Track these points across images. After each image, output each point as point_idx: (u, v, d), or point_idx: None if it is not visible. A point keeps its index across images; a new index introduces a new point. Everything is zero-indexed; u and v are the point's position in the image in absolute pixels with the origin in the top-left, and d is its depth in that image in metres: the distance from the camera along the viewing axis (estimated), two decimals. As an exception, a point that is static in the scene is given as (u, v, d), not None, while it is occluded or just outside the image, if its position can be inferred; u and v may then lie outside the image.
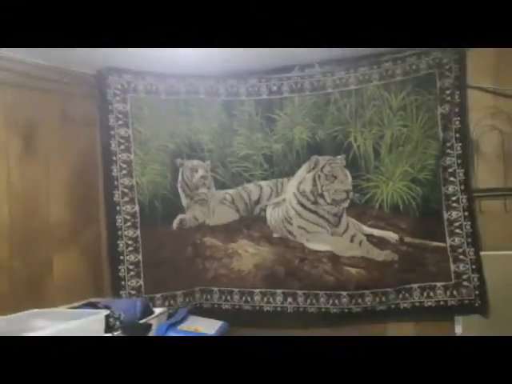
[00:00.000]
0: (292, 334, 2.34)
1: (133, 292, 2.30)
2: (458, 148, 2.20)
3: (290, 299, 2.34)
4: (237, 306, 2.39)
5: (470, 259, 2.15)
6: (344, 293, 2.28)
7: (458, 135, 2.19)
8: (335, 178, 2.34)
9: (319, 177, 2.35)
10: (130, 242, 2.33)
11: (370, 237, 2.30)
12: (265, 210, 2.46)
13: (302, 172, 2.40)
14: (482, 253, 2.14)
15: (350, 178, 2.33)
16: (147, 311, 2.01)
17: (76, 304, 2.03)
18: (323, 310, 2.30)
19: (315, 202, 2.36)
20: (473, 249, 2.15)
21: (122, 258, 2.32)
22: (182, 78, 2.43)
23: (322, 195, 2.35)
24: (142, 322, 1.91)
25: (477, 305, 2.13)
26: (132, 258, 2.34)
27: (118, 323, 1.77)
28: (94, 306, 1.97)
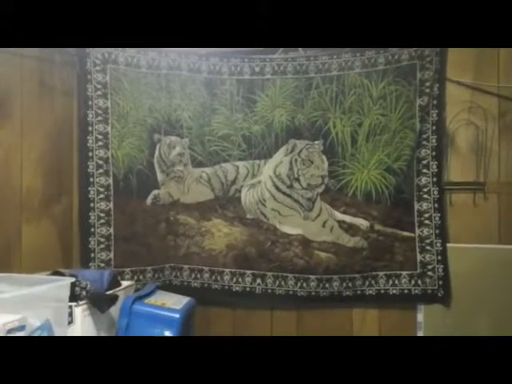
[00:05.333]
0: (258, 315, 2.39)
1: (102, 265, 2.30)
2: (434, 140, 2.22)
3: (258, 280, 2.36)
4: (206, 285, 2.41)
5: (437, 250, 2.19)
6: (312, 276, 2.31)
7: (434, 128, 2.21)
8: (312, 162, 2.35)
9: (296, 161, 2.36)
10: (101, 215, 2.32)
11: (341, 223, 2.33)
12: (240, 191, 2.46)
13: (279, 155, 2.40)
14: (448, 245, 2.19)
15: (326, 164, 2.34)
16: (115, 283, 2.00)
17: (43, 273, 2.01)
18: (291, 292, 2.33)
19: (290, 186, 2.38)
20: (440, 240, 2.19)
21: (92, 230, 2.30)
22: (164, 53, 2.40)
23: (297, 179, 2.36)
24: (108, 293, 1.91)
25: (439, 295, 2.18)
26: (103, 230, 2.32)
27: (83, 293, 1.75)
28: (60, 275, 1.95)
